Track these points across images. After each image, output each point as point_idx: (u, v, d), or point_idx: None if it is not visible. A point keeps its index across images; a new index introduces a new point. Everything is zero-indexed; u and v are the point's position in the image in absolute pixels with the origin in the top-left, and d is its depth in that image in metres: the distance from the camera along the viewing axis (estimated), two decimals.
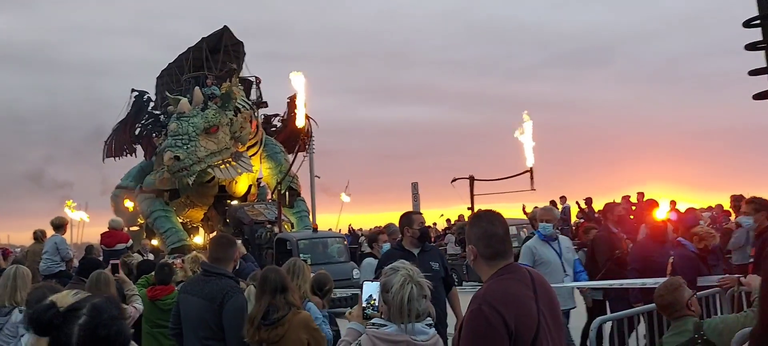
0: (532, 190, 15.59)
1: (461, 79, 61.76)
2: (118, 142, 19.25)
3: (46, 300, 1.76)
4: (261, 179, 18.31)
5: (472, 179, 17.09)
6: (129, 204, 17.76)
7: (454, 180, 17.15)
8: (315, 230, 15.03)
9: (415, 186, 20.63)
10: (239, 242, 5.35)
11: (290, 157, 17.51)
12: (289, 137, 19.37)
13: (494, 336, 2.00)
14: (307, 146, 19.33)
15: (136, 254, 7.37)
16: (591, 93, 54.70)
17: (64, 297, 2.11)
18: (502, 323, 2.00)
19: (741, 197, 8.48)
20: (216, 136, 14.70)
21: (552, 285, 5.19)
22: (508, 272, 2.19)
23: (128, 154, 19.37)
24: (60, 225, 8.79)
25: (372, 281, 2.52)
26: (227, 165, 15.02)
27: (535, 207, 16.19)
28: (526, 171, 15.65)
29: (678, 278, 3.47)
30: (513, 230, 14.15)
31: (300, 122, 14.60)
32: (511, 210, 17.37)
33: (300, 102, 14.31)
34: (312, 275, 4.56)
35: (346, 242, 14.46)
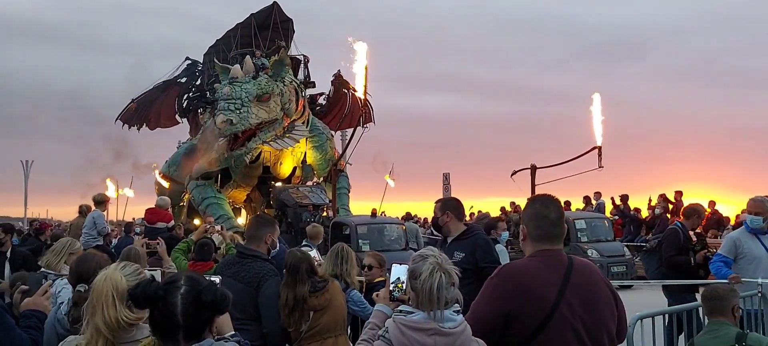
0: (600, 168, 15.35)
1: (491, 70, 62.11)
2: (149, 107, 19.41)
3: (145, 276, 2.09)
4: (305, 161, 18.65)
5: (533, 168, 16.81)
6: (162, 181, 18.27)
7: (513, 173, 16.93)
8: (374, 214, 15.06)
9: (446, 177, 20.51)
10: None
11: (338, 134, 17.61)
12: (339, 114, 19.58)
13: (490, 299, 2.30)
14: (372, 118, 19.32)
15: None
16: (623, 88, 53.38)
17: (114, 273, 2.31)
18: (502, 293, 2.27)
19: None
20: (267, 105, 15.01)
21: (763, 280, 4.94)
22: (542, 256, 2.31)
23: (143, 127, 19.59)
24: (100, 201, 9.38)
25: (400, 264, 2.59)
26: (282, 139, 15.39)
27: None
28: (594, 148, 15.43)
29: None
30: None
31: (361, 92, 14.68)
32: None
33: (360, 71, 14.31)
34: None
35: (404, 228, 14.37)
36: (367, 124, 18.36)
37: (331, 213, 15.29)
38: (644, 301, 5.73)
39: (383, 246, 12.42)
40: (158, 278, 2.19)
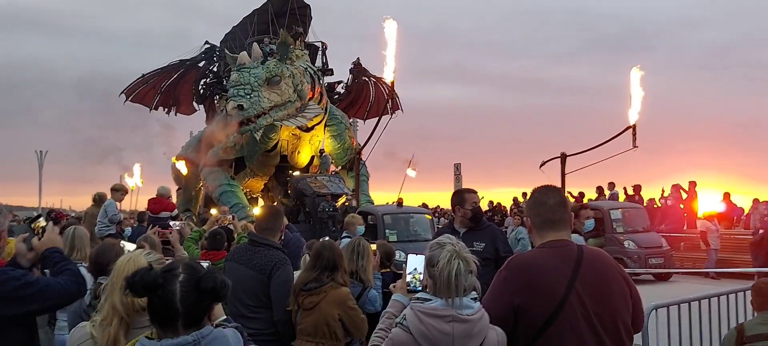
0: (635, 148, 15.29)
1: (499, 62, 62.61)
2: (173, 90, 19.32)
3: (142, 265, 2.10)
4: (323, 150, 18.74)
5: (563, 157, 16.74)
6: (182, 167, 18.20)
7: (542, 164, 16.88)
8: (400, 203, 15.06)
9: (457, 167, 20.58)
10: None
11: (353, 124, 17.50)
12: (364, 104, 19.50)
13: (499, 293, 2.35)
14: (398, 105, 19.22)
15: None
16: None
17: (139, 256, 2.42)
18: (510, 286, 2.32)
19: None
20: (279, 88, 15.13)
21: None
22: (551, 247, 2.36)
23: (150, 108, 19.32)
24: (116, 190, 9.61)
25: (417, 254, 2.58)
26: (295, 118, 15.44)
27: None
28: (628, 128, 15.36)
29: None
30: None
31: (389, 77, 14.45)
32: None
33: (390, 54, 14.03)
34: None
35: (430, 218, 14.21)
36: (395, 112, 18.36)
37: (354, 202, 15.29)
38: (679, 293, 5.68)
39: (410, 236, 12.37)
40: None
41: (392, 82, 14.83)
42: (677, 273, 13.01)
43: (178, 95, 19.71)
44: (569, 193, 16.49)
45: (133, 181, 19.59)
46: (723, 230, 14.24)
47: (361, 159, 17.24)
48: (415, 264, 2.56)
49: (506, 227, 16.37)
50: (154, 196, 9.62)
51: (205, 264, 2.09)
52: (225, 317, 2.16)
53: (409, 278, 2.59)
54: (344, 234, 7.27)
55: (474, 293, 2.32)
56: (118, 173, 21.17)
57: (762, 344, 3.40)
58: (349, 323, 3.74)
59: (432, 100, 60.66)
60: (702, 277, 12.80)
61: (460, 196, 4.58)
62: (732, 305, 5.01)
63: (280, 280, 3.85)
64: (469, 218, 4.46)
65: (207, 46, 19.77)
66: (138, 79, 19.17)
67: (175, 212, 9.60)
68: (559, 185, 16.62)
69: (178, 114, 20.19)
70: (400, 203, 15.03)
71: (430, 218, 14.20)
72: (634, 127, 15.40)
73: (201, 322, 1.81)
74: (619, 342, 2.30)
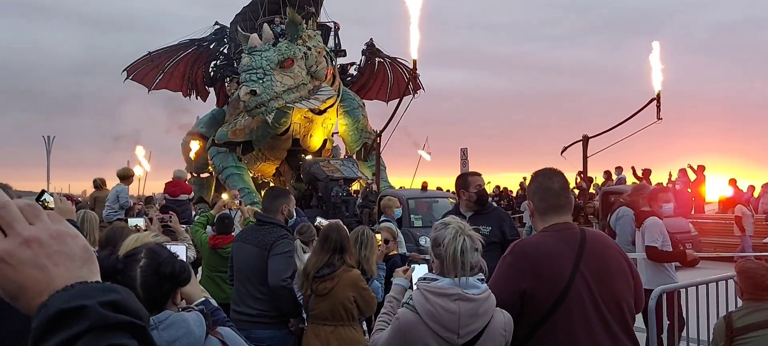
0: (659, 120, 15.20)
1: (503, 45, 62.58)
2: (170, 67, 18.81)
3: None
4: (336, 133, 18.75)
5: (585, 139, 16.64)
6: (194, 146, 18.02)
7: (564, 150, 16.78)
8: (424, 188, 14.88)
9: (464, 152, 20.56)
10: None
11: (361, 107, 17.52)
12: (384, 85, 19.54)
13: (505, 278, 2.41)
14: (420, 84, 18.95)
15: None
16: (640, 62, 52.95)
17: (146, 236, 2.47)
18: (516, 271, 2.38)
19: None
20: (291, 71, 14.99)
21: None
22: (555, 230, 2.43)
23: (149, 89, 18.89)
24: (124, 176, 9.77)
25: (420, 263, 2.64)
26: (307, 100, 15.36)
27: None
28: (652, 100, 15.24)
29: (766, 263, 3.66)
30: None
31: (414, 53, 14.09)
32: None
33: (414, 28, 13.73)
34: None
35: (455, 201, 14.27)
36: (418, 91, 18.25)
37: (374, 187, 15.32)
38: (701, 279, 5.72)
39: (434, 221, 12.35)
40: (184, 254, 2.28)
41: (414, 61, 14.66)
42: (705, 259, 12.91)
43: (195, 79, 19.51)
44: (579, 177, 16.45)
45: (141, 163, 19.72)
46: (731, 215, 14.15)
47: (379, 144, 17.27)
48: (420, 274, 2.56)
49: (523, 212, 16.39)
50: (171, 180, 9.84)
51: (175, 249, 2.08)
52: (203, 299, 2.15)
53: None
54: (383, 218, 7.25)
55: (481, 274, 2.36)
56: (126, 158, 21.41)
57: (753, 335, 3.37)
58: (362, 303, 3.87)
59: (437, 84, 60.87)
60: (729, 262, 12.71)
61: (465, 179, 4.67)
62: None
63: (277, 250, 3.99)
64: (474, 201, 4.54)
65: (217, 26, 19.74)
66: (144, 56, 18.95)
67: (192, 194, 9.76)
68: (581, 168, 16.56)
69: (198, 98, 20.03)
70: (424, 187, 15.03)
71: (454, 201, 14.18)
72: (658, 96, 15.29)
73: (163, 307, 1.83)
74: (622, 323, 2.37)
